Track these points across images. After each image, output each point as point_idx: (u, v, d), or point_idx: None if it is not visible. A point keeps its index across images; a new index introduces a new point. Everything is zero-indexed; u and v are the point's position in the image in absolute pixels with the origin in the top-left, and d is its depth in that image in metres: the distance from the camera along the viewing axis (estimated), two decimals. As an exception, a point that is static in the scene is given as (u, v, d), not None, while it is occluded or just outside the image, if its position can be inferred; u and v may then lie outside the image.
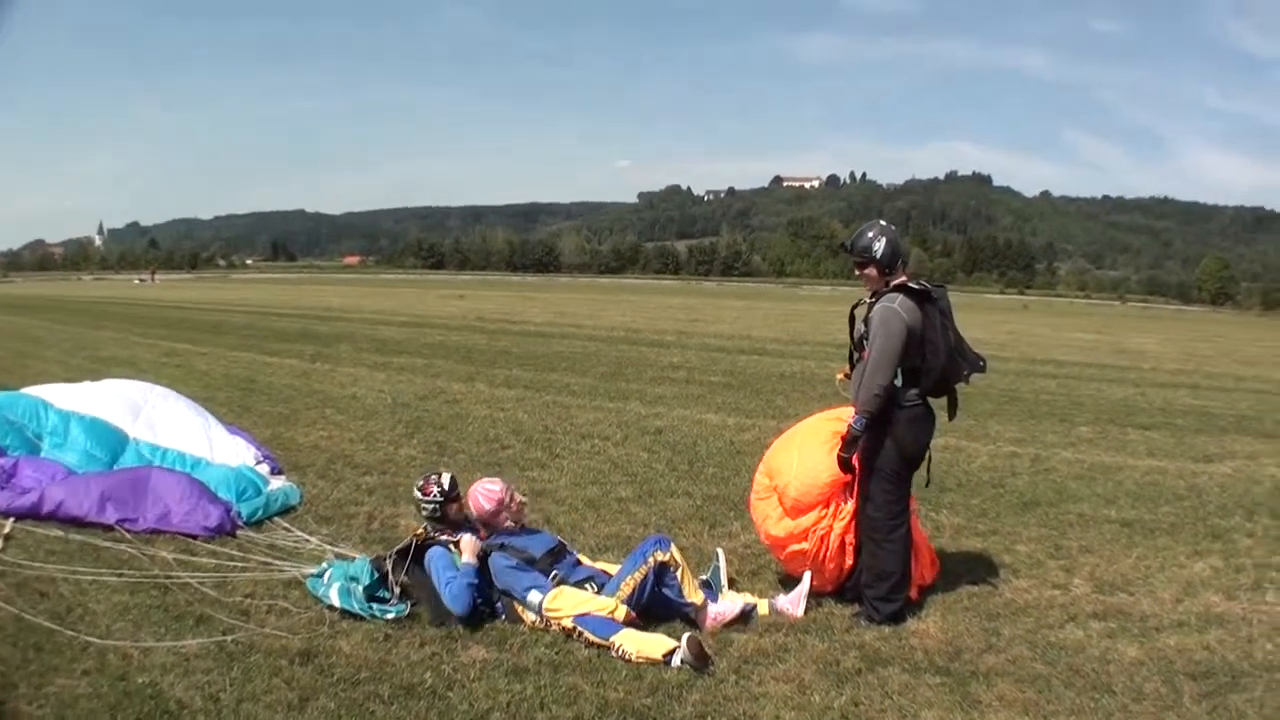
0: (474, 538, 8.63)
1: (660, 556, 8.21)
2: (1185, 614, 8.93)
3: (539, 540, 8.83)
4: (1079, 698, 7.14)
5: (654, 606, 8.27)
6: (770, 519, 9.26)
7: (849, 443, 8.50)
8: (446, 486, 9.06)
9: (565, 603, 8.04)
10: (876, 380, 8.23)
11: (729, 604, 8.41)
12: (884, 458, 8.52)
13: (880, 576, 8.49)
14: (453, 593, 8.23)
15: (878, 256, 8.44)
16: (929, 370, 8.39)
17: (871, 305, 8.55)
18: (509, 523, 8.91)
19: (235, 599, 8.53)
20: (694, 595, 8.29)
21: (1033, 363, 32.50)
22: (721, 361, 30.69)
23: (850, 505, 8.90)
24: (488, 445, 15.81)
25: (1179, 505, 13.05)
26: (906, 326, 8.22)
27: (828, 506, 8.95)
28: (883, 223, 8.76)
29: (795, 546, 9.03)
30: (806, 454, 9.13)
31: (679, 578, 8.25)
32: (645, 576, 8.17)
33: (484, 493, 8.90)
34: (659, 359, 30.87)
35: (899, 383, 8.38)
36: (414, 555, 8.63)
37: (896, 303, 8.28)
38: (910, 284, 8.40)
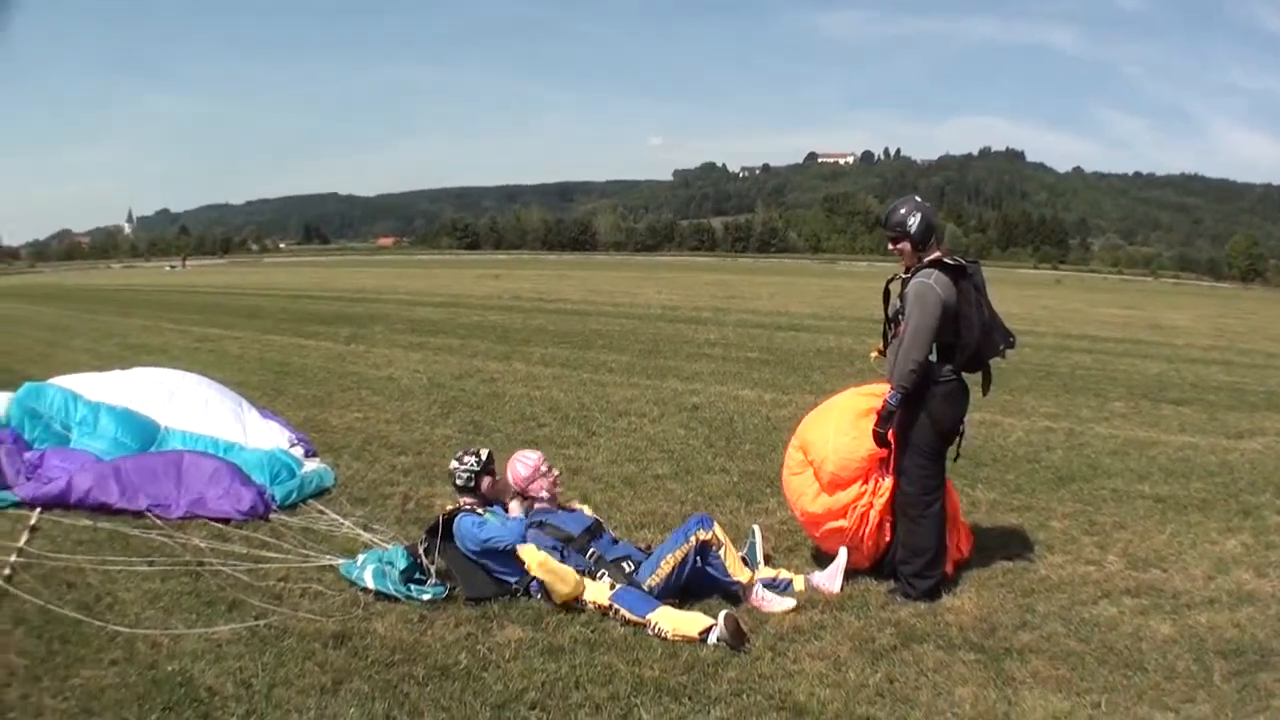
0: (518, 506, 8.72)
1: (703, 535, 8.18)
2: (1217, 591, 8.87)
3: (576, 519, 8.82)
4: (1112, 675, 7.11)
5: (695, 584, 8.27)
6: (806, 495, 9.16)
7: (884, 418, 8.43)
8: (484, 458, 9.05)
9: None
10: (912, 356, 8.21)
11: (779, 598, 8.32)
12: (919, 433, 8.51)
13: (916, 552, 8.47)
14: (504, 530, 8.37)
15: (911, 231, 8.42)
16: (964, 346, 8.38)
17: (906, 281, 8.58)
18: (544, 494, 8.95)
19: (268, 583, 8.51)
20: (740, 573, 8.26)
21: (1067, 338, 32.34)
22: (759, 338, 30.68)
23: (889, 482, 8.83)
24: (524, 424, 15.82)
25: (1211, 481, 12.97)
26: (942, 302, 8.19)
27: (866, 482, 8.88)
28: (917, 198, 8.73)
29: (833, 524, 8.93)
30: (843, 429, 9.04)
31: (722, 556, 8.23)
32: (686, 555, 8.16)
33: (521, 459, 9.03)
34: (696, 336, 30.84)
35: (934, 358, 8.38)
36: (443, 532, 8.61)
37: (932, 278, 8.26)
38: (945, 259, 8.38)
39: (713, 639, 7.40)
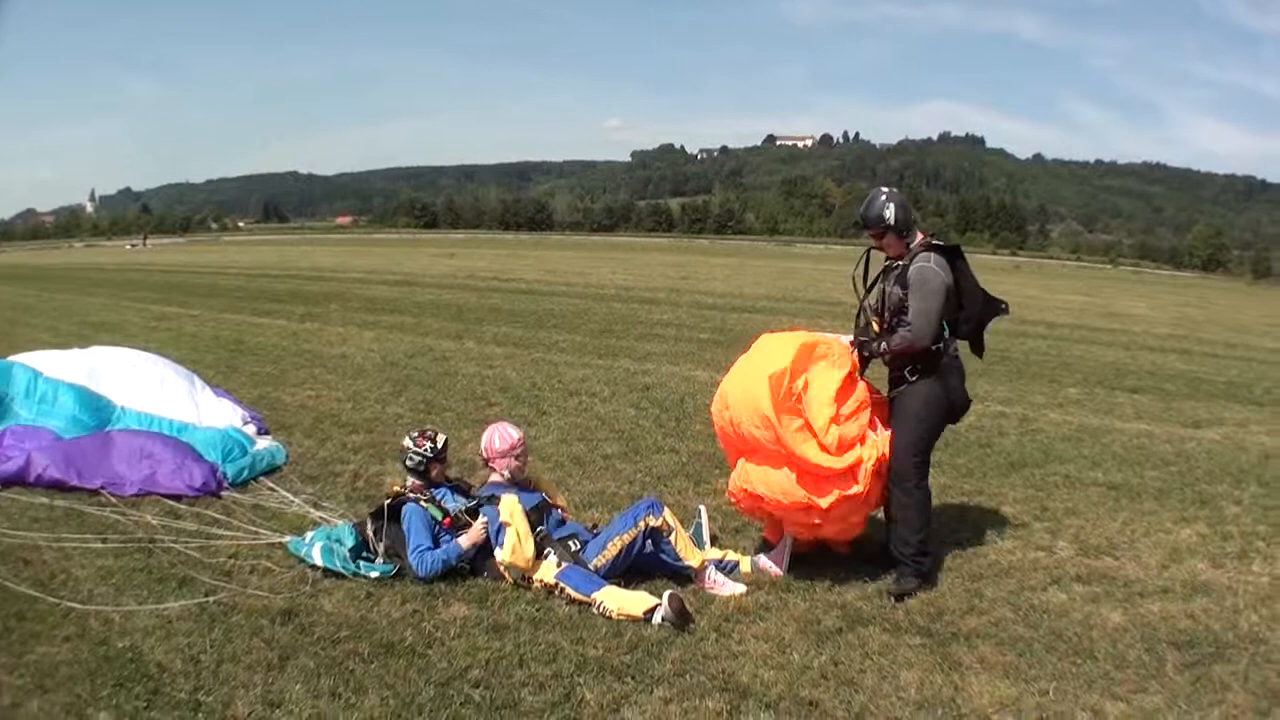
0: (480, 528, 8.53)
1: (652, 521, 8.23)
2: (1170, 581, 8.90)
3: (528, 496, 8.80)
4: (1060, 662, 7.16)
5: (645, 566, 8.32)
6: (808, 460, 8.26)
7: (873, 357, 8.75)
8: (439, 446, 9.06)
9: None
10: (925, 337, 8.32)
11: (730, 582, 8.36)
12: (932, 408, 8.64)
13: (913, 528, 8.45)
14: (425, 559, 8.25)
15: (893, 223, 8.49)
16: (968, 318, 8.58)
17: (895, 269, 8.65)
18: (505, 473, 8.93)
19: (218, 560, 8.59)
20: (691, 556, 8.31)
21: (1023, 323, 32.22)
22: (712, 319, 30.78)
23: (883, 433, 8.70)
24: (474, 403, 15.89)
25: (1166, 470, 13.01)
26: (944, 282, 8.32)
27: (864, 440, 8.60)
28: (884, 188, 8.81)
29: (841, 492, 8.35)
30: (824, 379, 8.55)
31: (673, 541, 8.27)
32: (634, 539, 8.21)
33: (501, 433, 9.03)
34: (649, 316, 30.94)
35: (947, 334, 8.49)
36: (390, 514, 8.64)
37: (931, 260, 8.37)
38: (935, 241, 8.54)
39: (657, 619, 7.48)
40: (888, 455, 8.59)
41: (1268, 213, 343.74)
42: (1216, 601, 8.45)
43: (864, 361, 8.89)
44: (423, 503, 8.70)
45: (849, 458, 8.38)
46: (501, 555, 8.20)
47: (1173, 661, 7.22)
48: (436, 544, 8.39)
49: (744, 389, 8.46)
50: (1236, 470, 13.17)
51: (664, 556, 8.27)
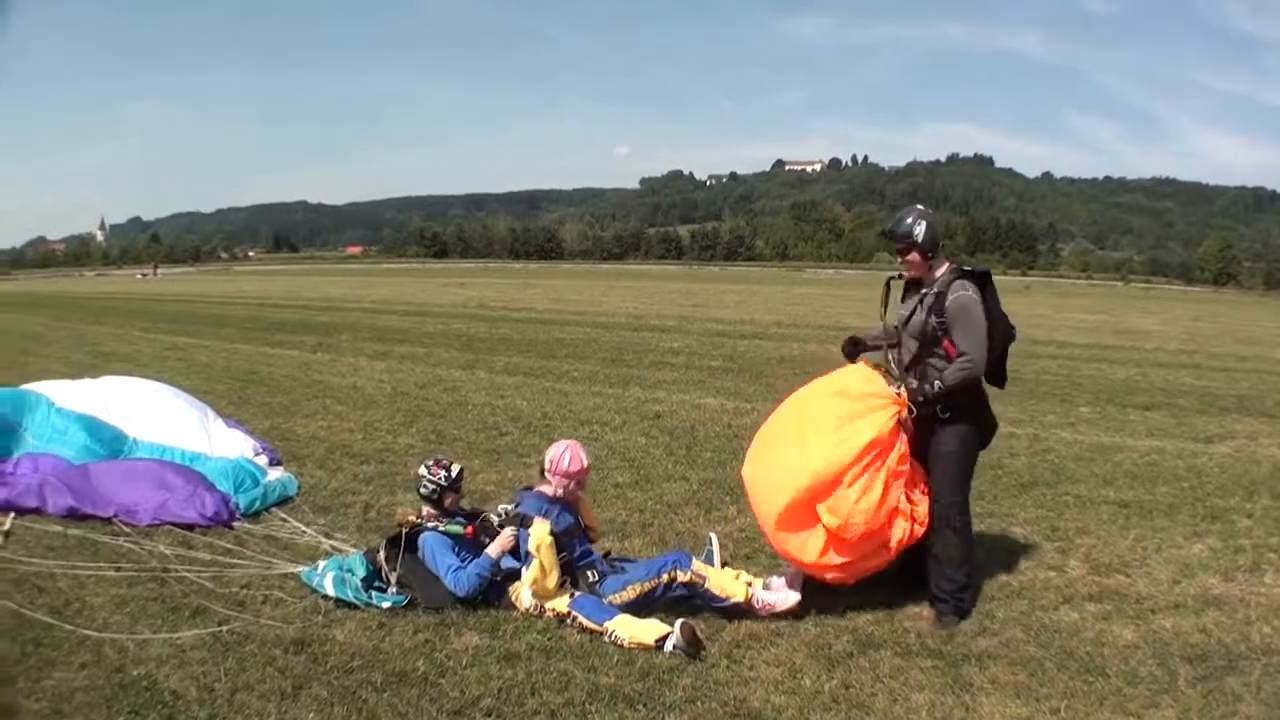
0: (510, 536, 8.56)
1: (680, 577, 8.23)
2: (1182, 596, 8.91)
3: (563, 516, 8.72)
4: (1072, 681, 7.15)
5: (687, 608, 8.26)
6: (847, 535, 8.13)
7: (935, 399, 8.38)
8: (454, 475, 9.03)
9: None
10: (981, 368, 8.34)
11: (780, 594, 8.33)
12: (969, 439, 8.59)
13: (956, 564, 8.36)
14: (461, 578, 8.28)
15: (919, 241, 8.46)
16: (994, 347, 8.47)
17: (924, 296, 8.59)
18: (561, 490, 8.79)
19: (231, 590, 8.61)
20: (734, 592, 8.26)
21: (1034, 343, 32.11)
22: (722, 346, 30.66)
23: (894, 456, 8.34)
24: (486, 433, 15.84)
25: (1177, 486, 13.01)
26: (983, 310, 8.32)
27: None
28: (920, 207, 8.75)
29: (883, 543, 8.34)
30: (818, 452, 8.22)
31: (709, 589, 8.23)
32: (654, 589, 8.22)
33: (574, 454, 8.79)
34: (660, 344, 30.84)
35: None
36: (406, 544, 8.63)
37: (970, 290, 8.35)
38: (967, 268, 8.55)
39: (669, 646, 7.46)
40: (920, 529, 8.47)
41: (1279, 223, 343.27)
42: (1229, 615, 8.48)
43: (917, 408, 8.46)
44: (441, 529, 8.70)
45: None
46: (525, 580, 8.20)
47: (1185, 676, 7.23)
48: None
49: (755, 487, 8.67)
50: (1248, 483, 13.19)
51: (712, 605, 8.25)
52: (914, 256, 8.55)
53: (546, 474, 8.80)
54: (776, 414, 9.05)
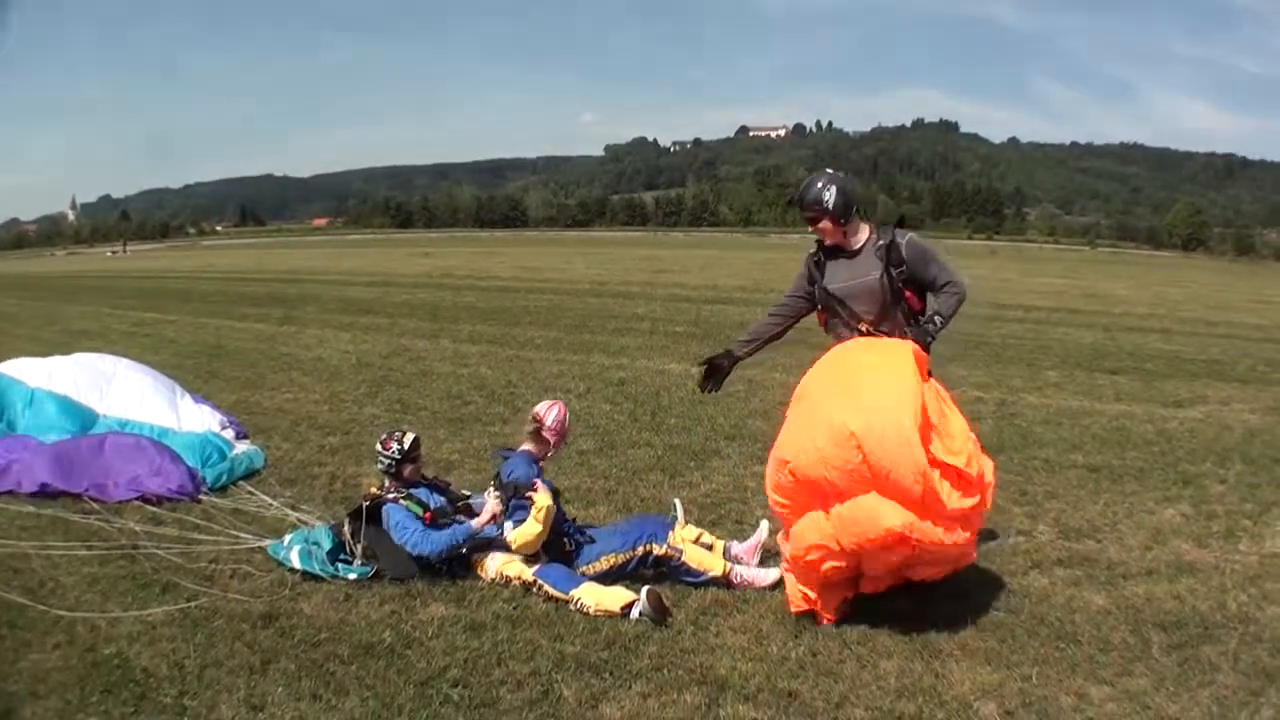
0: (493, 511, 8.52)
1: (656, 550, 8.22)
2: (1154, 562, 8.89)
3: (549, 485, 8.58)
4: (1043, 647, 7.12)
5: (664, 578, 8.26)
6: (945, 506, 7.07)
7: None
8: (407, 446, 8.95)
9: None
10: (966, 291, 8.21)
11: (759, 571, 8.29)
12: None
13: None
14: (431, 539, 8.30)
15: (830, 207, 8.02)
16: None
17: (860, 256, 8.16)
18: (550, 452, 8.92)
19: (200, 565, 8.63)
20: (712, 566, 8.21)
21: (1000, 307, 32.33)
22: (687, 311, 31.02)
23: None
24: (450, 401, 15.95)
25: (1148, 451, 13.05)
26: None
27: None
28: (830, 170, 8.45)
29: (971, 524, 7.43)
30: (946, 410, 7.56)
31: (686, 561, 8.19)
32: (629, 561, 8.23)
33: (563, 414, 8.91)
34: (624, 310, 31.14)
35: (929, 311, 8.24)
36: (369, 516, 8.63)
37: (910, 233, 8.17)
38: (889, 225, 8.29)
39: (635, 613, 7.48)
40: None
41: (1250, 190, 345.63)
42: (1203, 582, 8.43)
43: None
44: (401, 501, 8.69)
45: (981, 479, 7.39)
46: (513, 537, 8.16)
47: (1159, 643, 7.19)
48: None
49: (882, 433, 6.89)
50: (1220, 449, 13.24)
51: (686, 579, 8.19)
52: (825, 224, 8.13)
53: (544, 433, 8.78)
54: (810, 402, 7.68)
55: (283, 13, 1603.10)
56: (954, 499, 7.08)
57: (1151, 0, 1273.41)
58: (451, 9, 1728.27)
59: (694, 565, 8.15)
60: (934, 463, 6.99)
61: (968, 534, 7.29)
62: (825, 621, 7.51)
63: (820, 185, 8.13)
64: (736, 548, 8.64)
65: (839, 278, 8.31)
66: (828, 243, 8.34)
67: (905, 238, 8.09)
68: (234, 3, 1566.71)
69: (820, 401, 7.51)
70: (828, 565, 7.34)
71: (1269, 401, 17.19)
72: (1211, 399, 17.17)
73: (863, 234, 8.27)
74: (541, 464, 8.72)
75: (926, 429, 7.03)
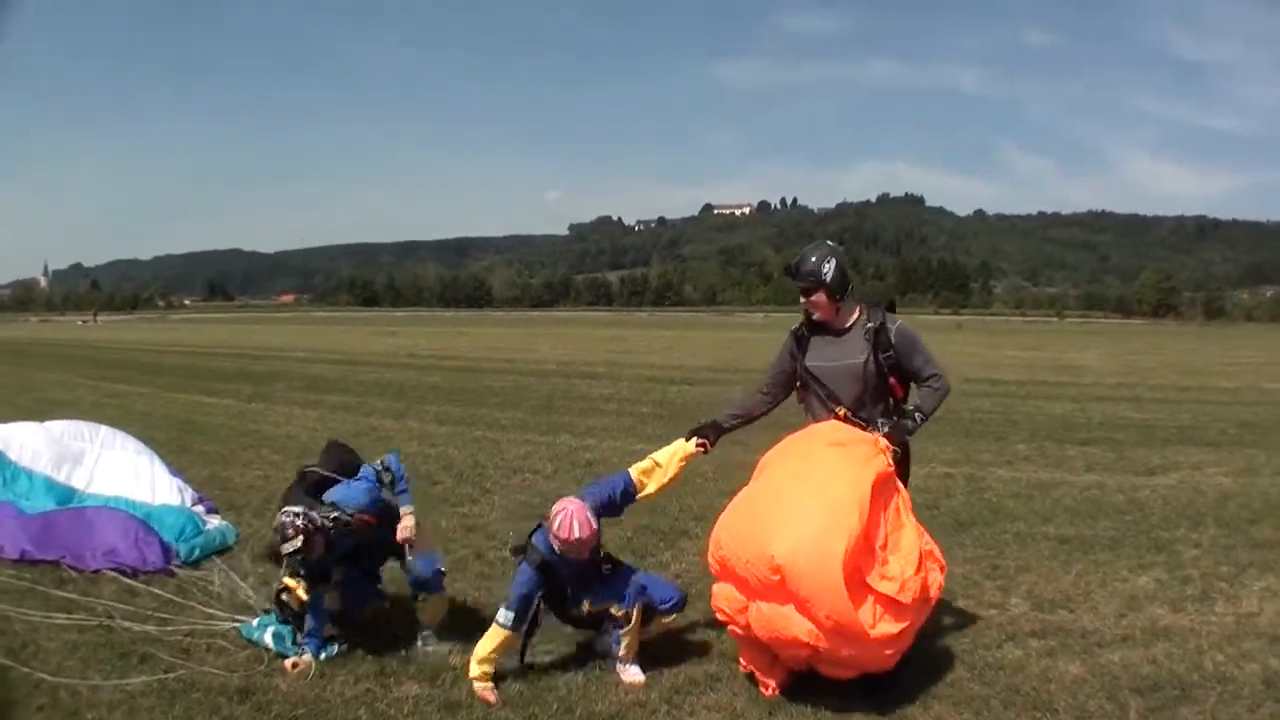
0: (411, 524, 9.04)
1: (615, 611, 8.06)
2: (1129, 628, 8.95)
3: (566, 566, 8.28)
4: (1019, 717, 7.16)
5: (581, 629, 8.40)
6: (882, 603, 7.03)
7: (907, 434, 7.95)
8: (301, 526, 7.98)
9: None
10: (949, 386, 8.17)
11: (635, 670, 8.05)
12: (903, 478, 7.87)
13: None
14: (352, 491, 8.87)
15: (827, 280, 7.85)
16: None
17: (848, 336, 8.04)
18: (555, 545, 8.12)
19: (176, 638, 8.64)
20: (627, 652, 8.05)
21: (968, 381, 32.07)
22: (653, 392, 31.05)
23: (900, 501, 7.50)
24: (418, 481, 15.41)
25: (1120, 519, 13.14)
26: None
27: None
28: (830, 243, 8.23)
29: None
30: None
31: (623, 636, 8.01)
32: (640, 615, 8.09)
33: (568, 521, 7.95)
34: (590, 391, 31.15)
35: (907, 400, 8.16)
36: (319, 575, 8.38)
37: (898, 319, 8.04)
38: (875, 304, 8.18)
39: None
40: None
41: (1221, 252, 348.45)
42: (1179, 645, 8.51)
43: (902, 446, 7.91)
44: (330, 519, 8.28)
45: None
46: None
47: (1136, 708, 7.23)
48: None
49: (806, 568, 6.80)
50: (1194, 513, 13.38)
51: (611, 642, 8.12)
52: (819, 297, 7.93)
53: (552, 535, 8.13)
54: (764, 485, 7.77)
55: (252, 91, 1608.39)
56: (881, 625, 6.95)
57: (1123, 63, 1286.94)
58: (417, 87, 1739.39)
59: (623, 644, 8.01)
60: (866, 591, 6.93)
61: (890, 651, 7.12)
62: (768, 692, 7.54)
63: (817, 258, 7.92)
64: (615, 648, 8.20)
65: (822, 356, 8.15)
66: (816, 317, 8.14)
67: (895, 324, 7.96)
68: (204, 80, 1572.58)
69: (763, 498, 7.54)
70: (732, 628, 7.63)
71: (1241, 464, 17.38)
72: (1184, 465, 17.29)
73: (853, 314, 8.13)
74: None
75: (865, 554, 6.95)
